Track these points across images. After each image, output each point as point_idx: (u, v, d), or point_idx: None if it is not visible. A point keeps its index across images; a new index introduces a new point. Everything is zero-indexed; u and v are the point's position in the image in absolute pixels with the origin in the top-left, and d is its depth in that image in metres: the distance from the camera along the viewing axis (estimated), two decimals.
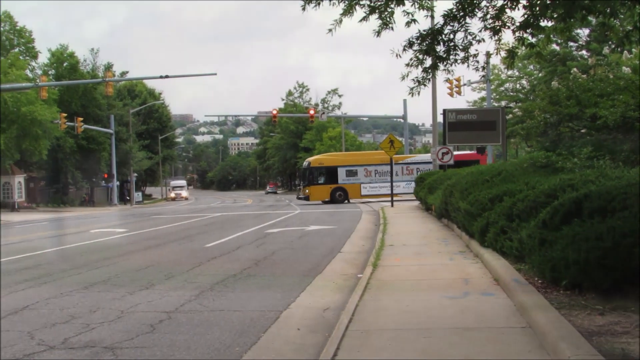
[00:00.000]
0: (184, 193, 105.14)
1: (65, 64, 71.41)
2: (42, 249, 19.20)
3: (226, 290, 10.93)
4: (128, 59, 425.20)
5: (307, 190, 50.89)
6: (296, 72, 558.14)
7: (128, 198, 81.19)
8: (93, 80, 63.69)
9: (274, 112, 63.50)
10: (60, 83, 63.07)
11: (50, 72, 71.08)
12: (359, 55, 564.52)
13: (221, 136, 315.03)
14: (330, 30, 10.04)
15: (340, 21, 9.93)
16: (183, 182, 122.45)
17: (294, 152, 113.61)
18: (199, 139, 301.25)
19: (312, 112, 63.83)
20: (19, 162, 63.91)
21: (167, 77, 45.66)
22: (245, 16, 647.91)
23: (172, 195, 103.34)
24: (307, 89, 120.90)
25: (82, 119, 60.79)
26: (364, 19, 9.95)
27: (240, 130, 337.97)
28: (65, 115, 56.16)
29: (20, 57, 63.26)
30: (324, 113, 70.58)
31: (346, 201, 49.85)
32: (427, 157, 53.01)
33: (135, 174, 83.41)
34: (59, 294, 10.93)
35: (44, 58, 76.69)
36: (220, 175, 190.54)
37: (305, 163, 53.90)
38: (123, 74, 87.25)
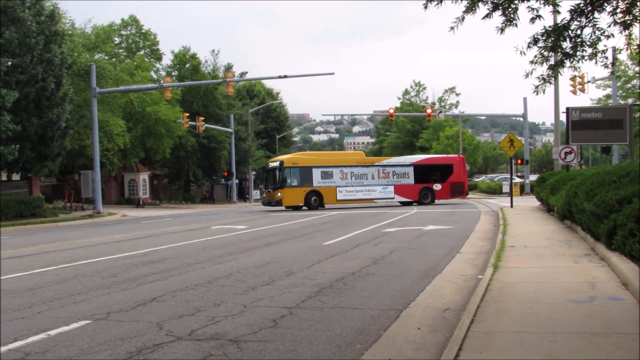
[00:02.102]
0: None
1: (187, 65, 73.70)
2: (167, 244, 19.92)
3: (345, 287, 11.02)
4: (247, 60, 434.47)
5: (279, 194, 44.59)
6: (413, 70, 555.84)
7: (247, 196, 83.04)
8: (214, 80, 65.42)
9: (391, 110, 63.38)
10: (183, 84, 65.20)
11: (173, 74, 73.51)
12: (478, 53, 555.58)
13: (337, 135, 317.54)
14: (452, 28, 9.93)
15: (463, 19, 9.81)
16: None
17: (411, 151, 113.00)
18: (316, 138, 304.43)
19: (429, 110, 63.35)
20: (144, 160, 66.51)
21: (285, 77, 46.42)
22: (363, 15, 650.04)
23: None
24: (424, 88, 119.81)
25: (203, 118, 62.65)
26: (487, 16, 9.80)
27: (356, 129, 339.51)
28: (187, 114, 58.06)
29: (146, 59, 65.82)
30: (441, 112, 69.71)
31: (320, 207, 45.07)
32: (403, 159, 51.66)
33: (254, 172, 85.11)
34: (185, 287, 11.31)
35: (167, 60, 79.47)
36: None
37: (275, 163, 47.05)
38: (242, 74, 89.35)
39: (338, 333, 7.90)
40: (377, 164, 48.61)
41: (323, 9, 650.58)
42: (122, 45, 66.98)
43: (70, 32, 52.15)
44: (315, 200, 44.98)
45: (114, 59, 60.46)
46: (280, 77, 46.44)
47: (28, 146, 37.03)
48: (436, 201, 48.37)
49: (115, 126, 50.73)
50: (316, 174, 45.60)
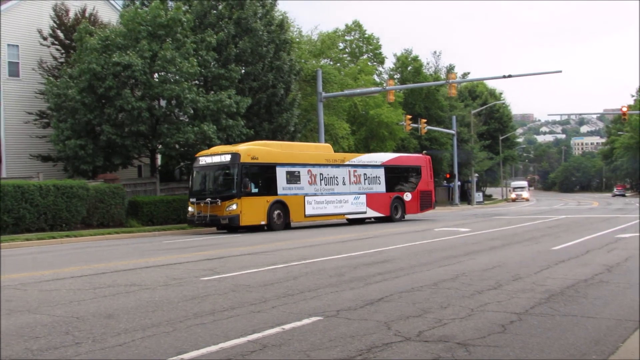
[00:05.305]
0: (525, 194, 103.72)
1: (409, 68, 74.31)
2: (392, 245, 20.19)
3: (577, 295, 10.53)
4: (469, 60, 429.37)
5: (234, 206, 29.27)
6: None
7: (469, 197, 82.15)
8: (436, 82, 65.46)
9: (624, 109, 59.85)
10: (405, 86, 65.83)
11: (395, 76, 74.45)
12: None
13: (564, 136, 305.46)
14: None
15: None
16: (524, 183, 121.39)
17: None
18: (540, 138, 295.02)
19: None
20: None
21: (509, 76, 45.18)
22: (594, 9, 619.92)
23: (513, 196, 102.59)
24: None
25: (425, 120, 62.80)
26: None
27: (584, 129, 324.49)
28: (409, 117, 58.46)
29: (369, 63, 67.21)
30: None
31: (285, 227, 31.29)
32: (373, 158, 38.33)
33: (476, 174, 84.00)
34: (411, 289, 11.36)
35: (389, 63, 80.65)
36: (563, 177, 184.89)
37: (223, 157, 30.48)
38: (465, 75, 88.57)
39: (571, 342, 7.55)
40: (347, 162, 35.57)
41: (552, 4, 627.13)
42: (346, 50, 68.91)
43: (297, 39, 54.55)
44: (279, 216, 31.05)
45: (338, 64, 62.37)
46: (504, 77, 45.24)
47: None
48: (406, 216, 38.44)
49: (340, 129, 52.32)
50: (281, 175, 31.63)
